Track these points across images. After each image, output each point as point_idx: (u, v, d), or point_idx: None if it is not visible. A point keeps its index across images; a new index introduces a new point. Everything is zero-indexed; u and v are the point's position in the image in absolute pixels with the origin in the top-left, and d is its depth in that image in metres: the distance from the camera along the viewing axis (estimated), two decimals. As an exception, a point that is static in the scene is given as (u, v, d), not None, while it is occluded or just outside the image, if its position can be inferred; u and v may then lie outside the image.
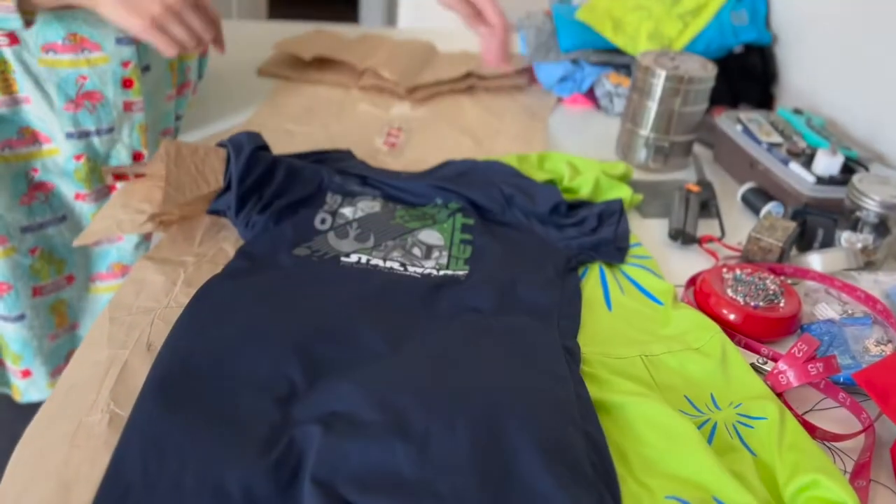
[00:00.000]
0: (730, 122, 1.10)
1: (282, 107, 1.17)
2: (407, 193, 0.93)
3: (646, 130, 1.08)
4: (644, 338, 0.76)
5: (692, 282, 0.85)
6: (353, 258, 0.81)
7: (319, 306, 0.71)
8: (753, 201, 1.01)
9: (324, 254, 0.81)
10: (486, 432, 0.57)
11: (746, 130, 1.07)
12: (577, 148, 1.15)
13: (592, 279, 0.83)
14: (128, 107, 0.95)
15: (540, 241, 0.87)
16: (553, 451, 0.56)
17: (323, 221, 0.86)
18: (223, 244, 0.83)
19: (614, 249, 0.87)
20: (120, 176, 0.93)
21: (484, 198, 0.91)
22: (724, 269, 0.82)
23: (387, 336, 0.68)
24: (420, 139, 1.12)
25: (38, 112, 0.91)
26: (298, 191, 0.89)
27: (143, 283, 0.75)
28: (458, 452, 0.55)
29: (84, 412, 0.61)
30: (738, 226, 0.98)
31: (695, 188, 1.00)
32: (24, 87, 0.88)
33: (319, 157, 0.97)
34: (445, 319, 0.72)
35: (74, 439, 0.59)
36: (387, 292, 0.75)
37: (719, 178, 1.09)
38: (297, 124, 1.12)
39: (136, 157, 1.00)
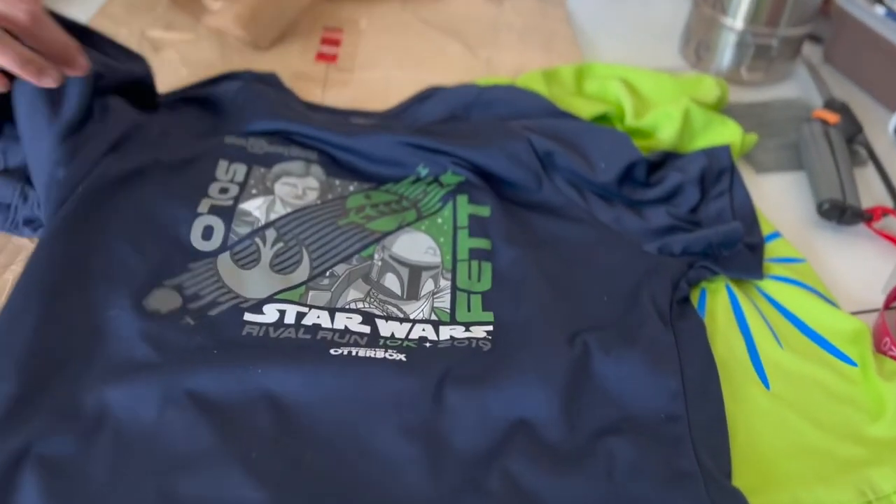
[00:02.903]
0: (861, 3, 0.70)
1: (146, -2, 0.71)
2: (364, 158, 0.52)
3: (737, 20, 0.67)
4: (844, 449, 0.40)
5: (891, 301, 0.48)
6: (270, 313, 0.41)
7: (201, 478, 0.33)
8: (922, 134, 0.63)
9: (208, 305, 0.41)
10: None
11: (893, 14, 0.67)
12: (619, 50, 0.73)
13: (721, 319, 0.45)
14: None
15: (614, 240, 0.48)
16: None
17: (208, 232, 0.45)
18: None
19: (745, 251, 0.49)
20: None
21: (503, 161, 0.51)
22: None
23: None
24: (376, 47, 0.68)
25: None
26: (153, 153, 0.48)
27: None
28: None
29: None
30: (902, 177, 0.61)
31: (830, 117, 0.62)
32: None
33: (209, 96, 0.55)
34: (475, 481, 0.34)
35: None
36: (346, 417, 0.36)
37: (844, 94, 0.70)
38: (170, 30, 0.67)
39: None
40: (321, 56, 0.66)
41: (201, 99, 0.54)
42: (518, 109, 0.56)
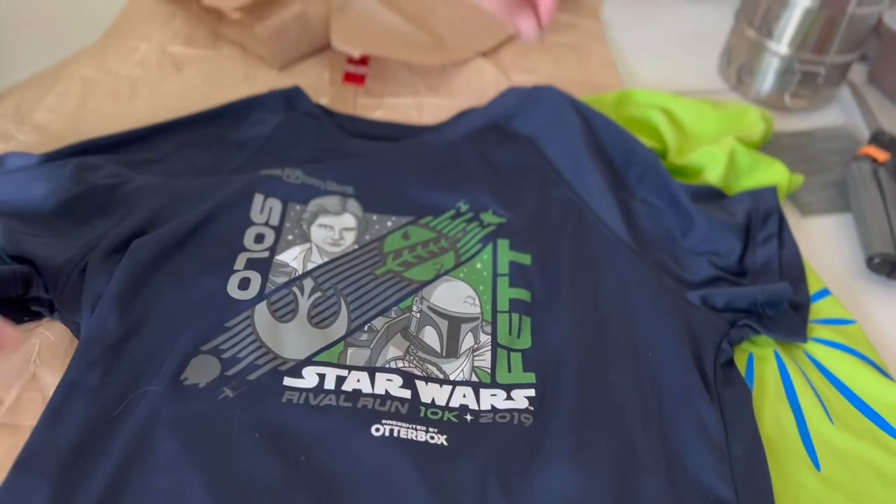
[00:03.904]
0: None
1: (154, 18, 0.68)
2: (404, 186, 0.51)
3: (782, 45, 0.65)
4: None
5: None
6: (309, 377, 0.39)
7: None
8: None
9: (246, 368, 0.39)
10: None
11: (946, 42, 0.65)
12: (654, 65, 0.71)
13: (770, 390, 0.44)
14: None
15: (658, 285, 0.46)
16: None
17: (244, 283, 0.43)
18: (38, 367, 0.41)
19: (790, 311, 0.47)
20: None
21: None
22: None
23: None
24: (405, 66, 0.65)
25: None
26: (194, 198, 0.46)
27: None
28: None
29: None
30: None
31: (879, 154, 0.59)
32: None
33: (238, 138, 0.53)
34: None
35: None
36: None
37: (890, 120, 0.67)
38: (189, 44, 0.64)
39: None
40: (349, 77, 0.63)
41: (229, 138, 0.52)
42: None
